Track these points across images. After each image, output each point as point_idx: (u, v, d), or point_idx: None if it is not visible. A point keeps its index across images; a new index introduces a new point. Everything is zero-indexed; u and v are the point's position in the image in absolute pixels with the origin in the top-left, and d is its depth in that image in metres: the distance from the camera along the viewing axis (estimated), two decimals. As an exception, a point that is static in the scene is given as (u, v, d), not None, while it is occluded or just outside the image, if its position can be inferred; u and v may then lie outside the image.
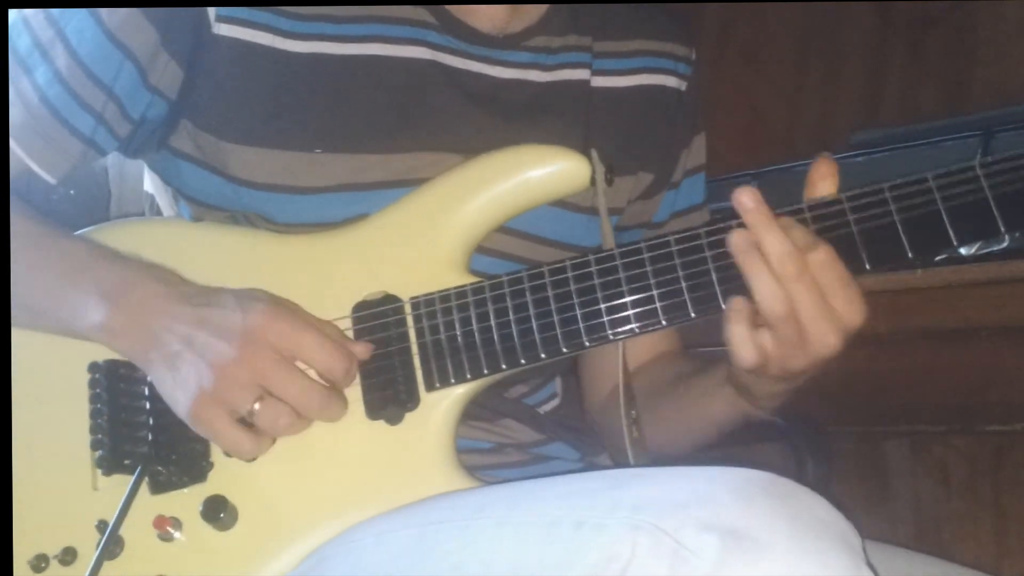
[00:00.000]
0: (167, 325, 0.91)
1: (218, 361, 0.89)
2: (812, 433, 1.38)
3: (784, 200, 0.93)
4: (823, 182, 0.92)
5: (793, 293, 0.86)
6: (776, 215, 0.89)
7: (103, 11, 1.00)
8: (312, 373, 0.92)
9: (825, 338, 0.88)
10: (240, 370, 0.89)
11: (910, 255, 0.89)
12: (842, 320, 0.88)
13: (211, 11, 1.01)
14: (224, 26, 1.01)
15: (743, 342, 0.89)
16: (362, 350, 0.95)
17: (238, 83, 1.02)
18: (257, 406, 0.89)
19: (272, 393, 0.90)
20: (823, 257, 0.86)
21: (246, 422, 0.91)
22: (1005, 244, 1.39)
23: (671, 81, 1.19)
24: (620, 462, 1.18)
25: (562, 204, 1.08)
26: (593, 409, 1.24)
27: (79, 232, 1.06)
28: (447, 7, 1.07)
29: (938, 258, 1.43)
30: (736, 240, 0.88)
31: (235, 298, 0.92)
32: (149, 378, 0.95)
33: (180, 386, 0.90)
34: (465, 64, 1.08)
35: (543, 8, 1.12)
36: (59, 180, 1.04)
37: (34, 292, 0.97)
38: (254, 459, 0.94)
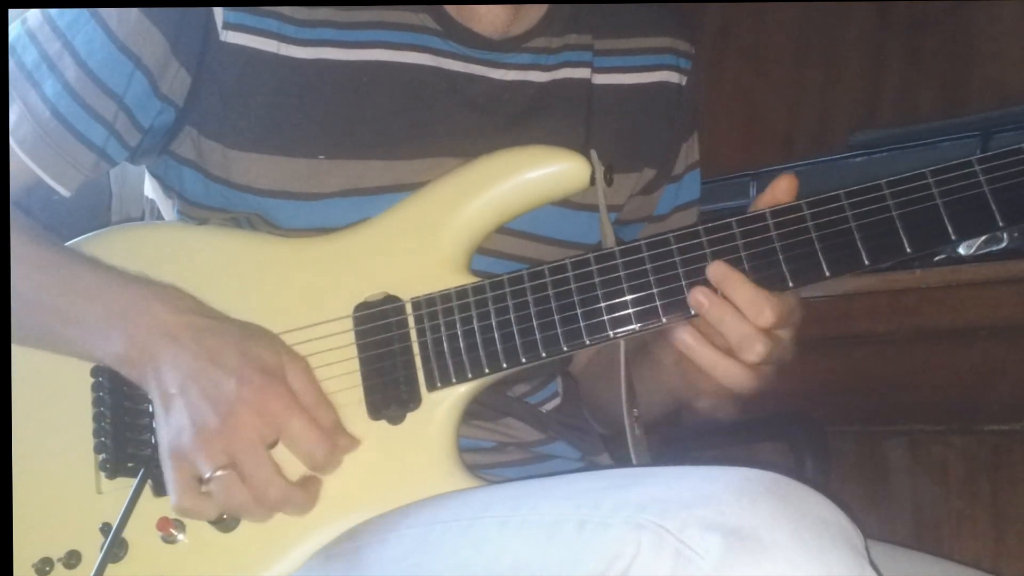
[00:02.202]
0: (169, 362, 0.91)
1: (199, 424, 0.89)
2: (812, 433, 1.38)
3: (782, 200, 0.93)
4: (783, 197, 0.93)
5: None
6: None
7: (112, 21, 1.00)
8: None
9: (785, 356, 0.93)
10: (216, 440, 0.88)
11: (908, 251, 0.89)
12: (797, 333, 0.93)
13: (218, 18, 1.01)
14: (231, 33, 1.01)
15: (738, 374, 0.92)
16: (349, 443, 0.94)
17: (243, 90, 1.02)
18: (219, 473, 0.88)
19: (239, 471, 0.89)
20: (769, 318, 0.89)
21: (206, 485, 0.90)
22: (1004, 244, 1.40)
23: (673, 77, 1.20)
24: (616, 451, 1.19)
25: (563, 202, 1.08)
26: (577, 369, 1.25)
27: (84, 237, 1.07)
28: (449, 13, 1.08)
29: (937, 258, 1.43)
30: (684, 339, 0.92)
31: (238, 357, 0.91)
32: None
33: (167, 427, 0.91)
34: (467, 68, 1.08)
35: (543, 9, 1.12)
36: (72, 192, 1.04)
37: (39, 317, 0.97)
38: (191, 517, 0.93)
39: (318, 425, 0.92)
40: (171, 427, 0.90)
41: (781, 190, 0.93)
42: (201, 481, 0.89)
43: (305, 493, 0.92)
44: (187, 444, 0.89)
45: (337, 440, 0.93)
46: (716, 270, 0.91)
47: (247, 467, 0.89)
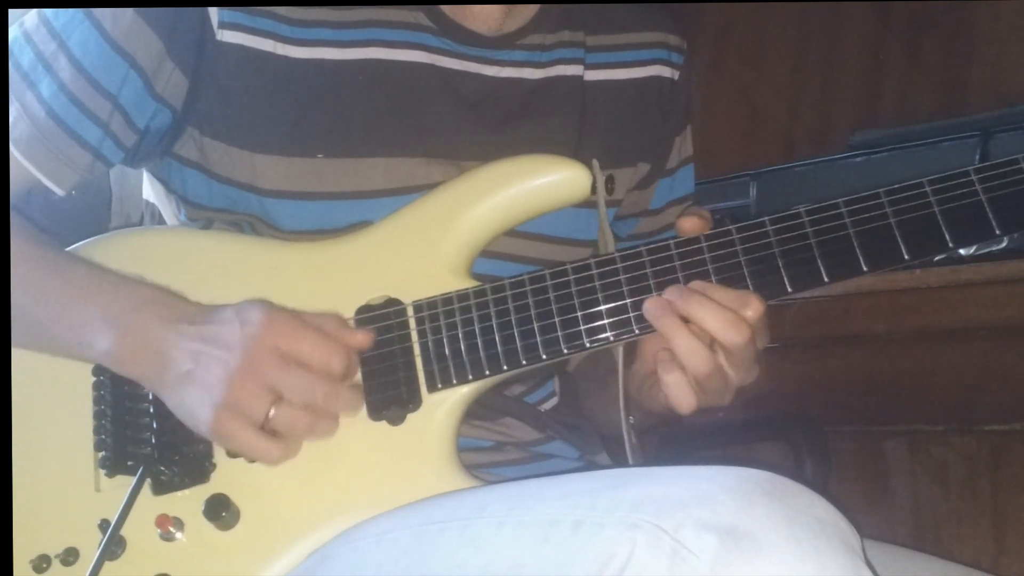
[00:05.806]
0: (174, 346, 0.92)
1: (225, 372, 0.90)
2: (812, 433, 1.38)
3: (782, 200, 0.94)
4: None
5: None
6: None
7: (106, 21, 1.00)
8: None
9: (749, 376, 0.93)
10: (246, 378, 0.90)
11: (907, 258, 0.91)
12: (760, 353, 0.92)
13: (214, 18, 1.01)
14: (227, 33, 1.01)
15: (684, 390, 0.91)
16: (362, 339, 0.96)
17: (242, 89, 1.02)
18: (272, 411, 0.90)
19: (281, 395, 0.91)
20: (756, 311, 0.90)
21: (269, 429, 0.92)
22: (1004, 244, 1.40)
23: (665, 71, 1.21)
24: (613, 450, 1.19)
25: None
26: (571, 368, 1.25)
27: (87, 242, 1.07)
28: (443, 11, 1.08)
29: (937, 258, 1.43)
30: (649, 307, 0.92)
31: (233, 311, 0.93)
32: (159, 399, 0.96)
33: (197, 405, 0.91)
34: (461, 65, 1.09)
35: (536, 7, 1.13)
36: (66, 191, 1.04)
37: (36, 319, 0.97)
38: (281, 463, 0.94)
39: (326, 336, 0.93)
40: (202, 399, 0.91)
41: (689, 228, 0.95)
42: (263, 427, 0.91)
43: (350, 388, 0.95)
44: (226, 399, 0.90)
45: (348, 341, 0.94)
46: (690, 288, 0.91)
47: (286, 384, 0.91)
